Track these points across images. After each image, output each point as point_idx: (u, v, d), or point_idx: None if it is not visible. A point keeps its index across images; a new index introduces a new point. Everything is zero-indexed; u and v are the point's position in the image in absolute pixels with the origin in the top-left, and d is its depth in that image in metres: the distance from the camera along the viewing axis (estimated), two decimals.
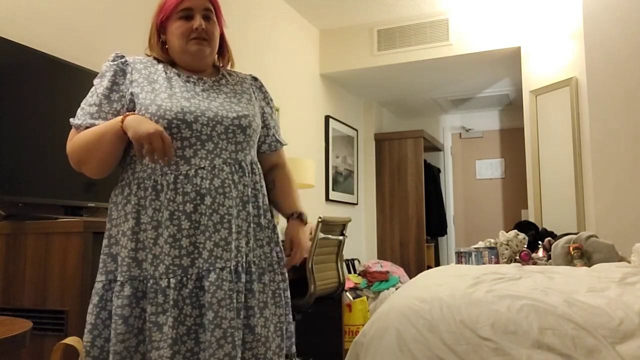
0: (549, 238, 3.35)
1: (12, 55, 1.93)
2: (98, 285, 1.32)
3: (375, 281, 4.52)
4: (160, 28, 1.45)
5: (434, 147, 6.25)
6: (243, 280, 1.33)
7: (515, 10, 4.26)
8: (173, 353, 1.23)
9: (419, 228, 5.54)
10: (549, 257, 3.09)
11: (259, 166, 1.48)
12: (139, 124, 1.26)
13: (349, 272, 4.94)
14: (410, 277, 4.69)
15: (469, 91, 5.61)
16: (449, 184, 6.52)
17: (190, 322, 1.27)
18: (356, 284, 4.48)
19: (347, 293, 4.01)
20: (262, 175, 1.47)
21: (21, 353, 1.76)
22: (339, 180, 5.14)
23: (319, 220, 2.98)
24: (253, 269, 1.37)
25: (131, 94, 1.36)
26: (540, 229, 3.77)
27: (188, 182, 1.31)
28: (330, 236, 3.11)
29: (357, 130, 5.61)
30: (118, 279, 1.29)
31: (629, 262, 2.73)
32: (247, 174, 1.40)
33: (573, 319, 1.69)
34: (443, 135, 6.64)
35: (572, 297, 1.81)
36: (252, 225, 1.39)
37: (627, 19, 3.54)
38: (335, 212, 5.00)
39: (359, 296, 4.19)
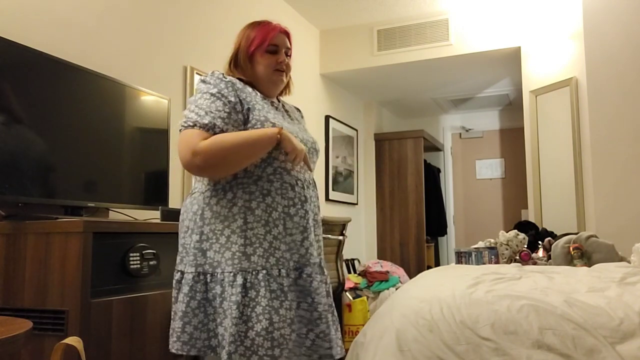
0: (549, 238, 3.35)
1: (12, 55, 1.93)
2: (188, 276, 1.50)
3: (375, 281, 4.52)
4: (250, 56, 1.65)
5: (434, 147, 6.25)
6: (326, 273, 1.65)
7: (515, 10, 4.25)
8: (290, 332, 1.47)
9: (419, 228, 5.54)
10: (549, 257, 3.09)
11: None
12: (294, 139, 1.52)
13: (349, 272, 4.94)
14: (410, 277, 4.69)
15: (469, 91, 5.61)
16: (449, 184, 6.52)
17: (295, 306, 1.52)
18: (356, 284, 4.48)
19: (347, 293, 4.01)
20: None
21: (21, 353, 1.76)
22: (339, 180, 5.14)
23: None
24: (324, 266, 1.67)
25: (247, 109, 1.55)
26: (540, 229, 3.77)
27: (291, 190, 1.56)
28: (330, 236, 3.11)
29: (357, 130, 5.61)
30: (228, 270, 1.46)
31: (629, 262, 2.73)
32: (315, 189, 1.69)
33: (573, 319, 1.69)
34: (443, 135, 6.64)
35: (572, 297, 1.81)
36: (319, 231, 1.69)
37: (627, 19, 3.54)
38: (335, 212, 5.00)
39: (359, 296, 4.19)
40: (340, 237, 3.26)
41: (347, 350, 1.98)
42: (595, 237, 2.92)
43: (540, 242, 3.39)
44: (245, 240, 1.48)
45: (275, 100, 1.72)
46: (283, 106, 1.76)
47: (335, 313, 1.66)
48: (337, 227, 3.23)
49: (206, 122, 1.46)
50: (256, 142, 1.47)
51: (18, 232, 1.84)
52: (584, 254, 2.84)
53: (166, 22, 3.00)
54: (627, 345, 1.61)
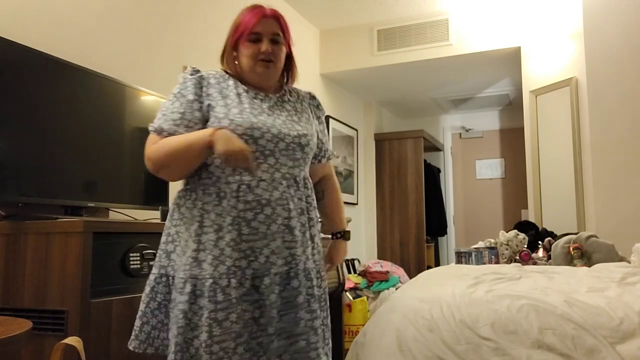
0: (549, 238, 3.35)
1: (12, 55, 1.93)
2: (151, 277, 1.47)
3: (375, 281, 4.51)
4: (234, 47, 1.56)
5: (434, 147, 6.25)
6: (294, 285, 1.45)
7: (515, 10, 4.25)
8: (235, 345, 1.36)
9: (419, 228, 5.54)
10: (549, 257, 3.09)
11: (310, 181, 1.59)
12: (228, 140, 1.35)
13: (349, 272, 4.94)
14: (410, 277, 4.68)
15: (469, 91, 5.61)
16: (449, 184, 6.52)
17: (248, 316, 1.39)
18: (356, 284, 4.47)
19: (347, 293, 4.00)
20: (312, 190, 1.59)
21: (21, 353, 1.76)
22: (339, 180, 5.13)
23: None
24: (312, 275, 1.50)
25: (208, 106, 1.47)
26: (540, 229, 3.77)
27: (250, 192, 1.42)
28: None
29: (357, 130, 5.61)
30: (180, 276, 1.41)
31: (629, 262, 2.73)
32: (300, 188, 1.52)
33: (573, 319, 1.69)
34: (443, 135, 6.64)
35: (572, 297, 1.81)
36: (306, 235, 1.52)
37: (627, 19, 3.54)
38: None
39: (359, 296, 4.19)
40: None
41: (347, 351, 1.98)
42: (595, 237, 2.92)
43: (540, 242, 3.39)
44: (199, 245, 1.41)
45: (261, 92, 1.55)
46: (282, 96, 1.60)
47: (316, 323, 1.47)
48: None
49: (156, 126, 1.46)
50: (190, 145, 1.40)
51: (18, 232, 1.84)
52: (584, 254, 2.84)
53: (166, 22, 3.00)
54: (627, 345, 1.61)
